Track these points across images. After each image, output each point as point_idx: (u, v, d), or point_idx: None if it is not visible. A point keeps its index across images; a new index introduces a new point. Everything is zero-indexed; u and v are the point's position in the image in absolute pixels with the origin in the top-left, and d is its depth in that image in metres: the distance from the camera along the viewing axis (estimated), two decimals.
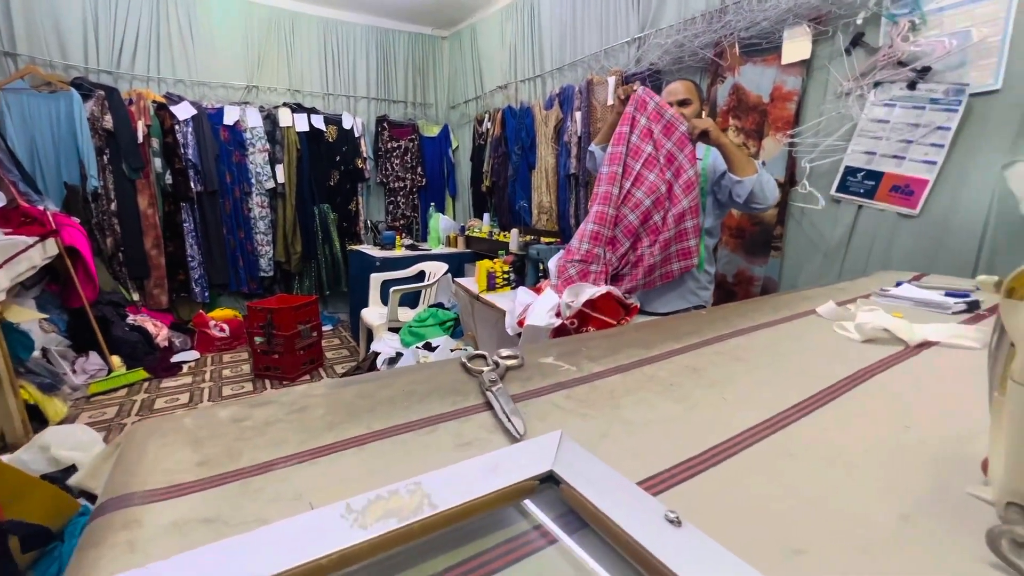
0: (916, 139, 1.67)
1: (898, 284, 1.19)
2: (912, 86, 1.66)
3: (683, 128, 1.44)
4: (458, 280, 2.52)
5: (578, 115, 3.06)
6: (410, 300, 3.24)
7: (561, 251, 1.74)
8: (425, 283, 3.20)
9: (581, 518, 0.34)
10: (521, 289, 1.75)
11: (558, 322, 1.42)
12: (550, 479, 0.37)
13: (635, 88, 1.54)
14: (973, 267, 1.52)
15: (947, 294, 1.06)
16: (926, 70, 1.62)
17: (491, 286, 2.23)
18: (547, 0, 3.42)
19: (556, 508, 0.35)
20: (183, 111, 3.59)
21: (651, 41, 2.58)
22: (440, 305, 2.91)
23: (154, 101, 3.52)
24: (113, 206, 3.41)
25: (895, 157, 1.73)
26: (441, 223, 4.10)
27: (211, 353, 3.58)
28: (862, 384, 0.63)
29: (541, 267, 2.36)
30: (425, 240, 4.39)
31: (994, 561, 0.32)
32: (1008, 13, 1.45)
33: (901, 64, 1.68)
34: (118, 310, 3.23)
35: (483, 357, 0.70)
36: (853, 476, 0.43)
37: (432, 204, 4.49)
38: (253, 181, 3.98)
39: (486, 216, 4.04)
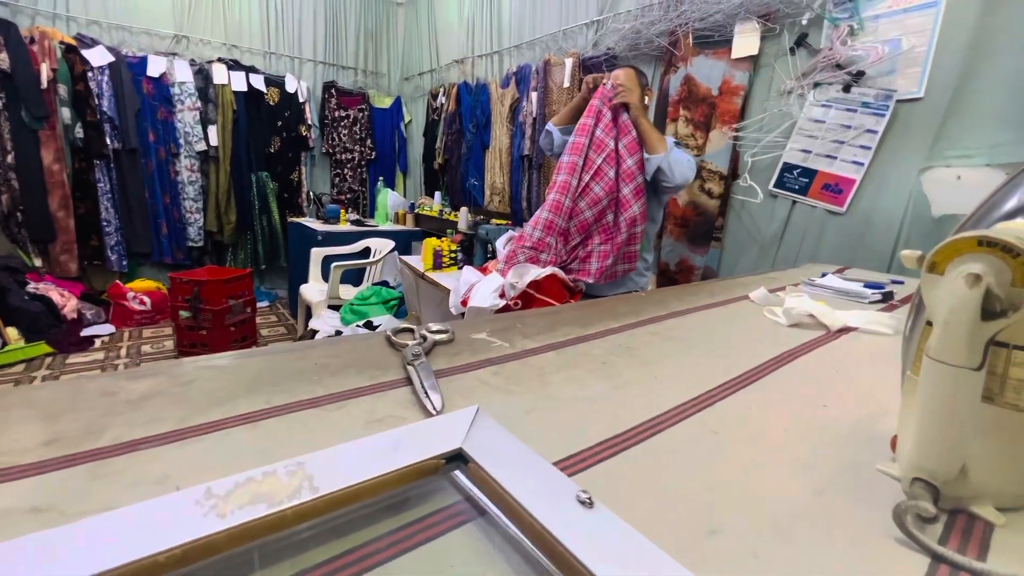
0: (847, 140, 1.75)
1: (823, 275, 1.25)
2: (847, 89, 1.74)
3: (631, 135, 1.46)
4: (404, 258, 2.43)
5: (534, 95, 3.01)
6: (353, 277, 3.11)
7: (510, 231, 1.71)
8: (370, 260, 3.07)
9: (489, 500, 0.31)
10: (467, 268, 1.70)
11: (502, 303, 1.39)
12: (459, 458, 0.33)
13: (605, 81, 1.53)
14: (888, 262, 1.63)
15: (866, 285, 1.12)
16: (860, 74, 1.70)
17: (437, 265, 2.17)
18: None
19: (462, 490, 0.32)
20: (97, 57, 3.20)
21: (609, 25, 2.56)
22: (385, 283, 2.80)
23: (62, 42, 3.11)
24: (10, 158, 3.00)
25: (828, 157, 1.81)
26: (390, 199, 3.95)
27: (129, 328, 3.29)
28: (786, 365, 0.64)
29: (490, 247, 2.32)
30: (372, 216, 4.22)
31: (900, 536, 0.31)
32: (934, 25, 1.54)
33: (839, 67, 1.75)
34: (16, 276, 2.88)
35: (411, 331, 0.66)
36: (772, 453, 0.43)
37: (381, 179, 4.31)
38: (182, 142, 3.64)
39: (437, 195, 3.93)
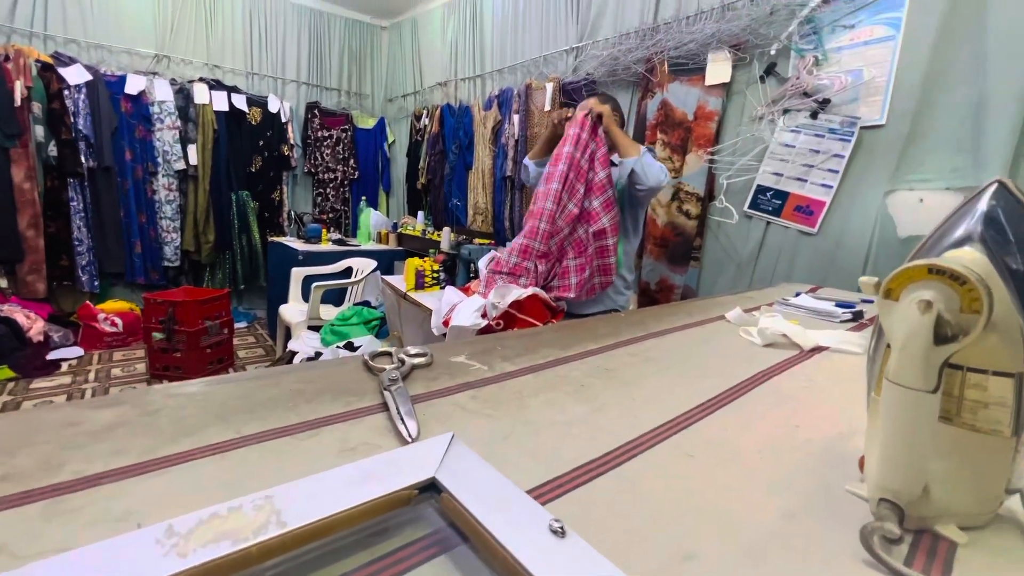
0: (816, 164, 1.82)
1: (797, 295, 1.28)
2: (814, 115, 1.82)
3: (603, 148, 1.51)
4: (386, 278, 2.41)
5: (516, 118, 3.07)
6: (334, 298, 3.07)
7: (493, 251, 1.72)
8: (352, 280, 3.05)
9: (462, 531, 0.30)
10: (449, 289, 1.70)
11: (484, 323, 1.39)
12: (432, 488, 0.33)
13: (568, 115, 1.56)
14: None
15: (837, 305, 1.15)
16: (826, 102, 1.78)
17: (419, 285, 2.16)
18: (490, 1, 3.40)
19: (435, 521, 0.32)
20: (75, 75, 3.16)
21: (588, 51, 2.64)
22: (367, 303, 2.77)
23: (38, 60, 3.07)
24: None
25: (799, 179, 1.88)
26: (372, 218, 3.94)
27: (99, 350, 3.17)
28: (760, 385, 0.66)
29: (472, 267, 2.32)
30: (354, 235, 4.19)
31: (869, 558, 0.32)
32: (893, 56, 1.63)
33: (806, 95, 1.83)
34: None
35: (388, 355, 0.65)
36: (746, 475, 0.43)
37: (364, 198, 4.30)
38: (160, 160, 3.59)
39: (420, 214, 3.93)
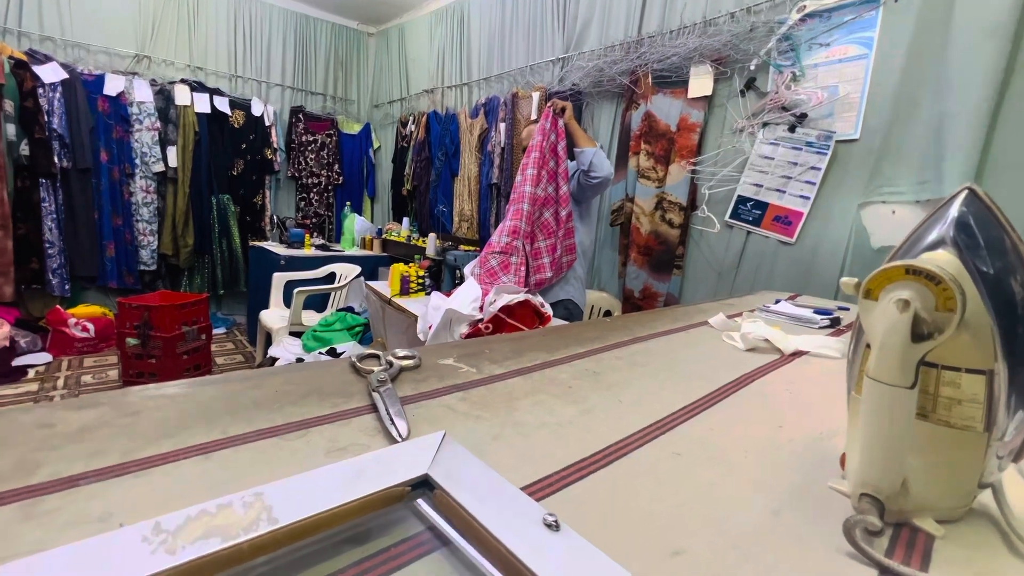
0: (794, 176, 1.88)
1: (777, 302, 1.32)
2: (792, 129, 1.88)
3: (563, 142, 1.69)
4: (370, 283, 2.39)
5: (502, 126, 3.09)
6: (317, 303, 3.03)
7: (478, 258, 1.73)
8: (335, 285, 3.01)
9: (456, 526, 0.30)
10: (435, 294, 1.69)
11: (479, 315, 1.40)
12: (425, 485, 0.33)
13: (551, 106, 1.70)
14: (835, 290, 1.73)
15: (816, 311, 1.18)
16: (803, 116, 1.84)
17: (404, 290, 2.14)
18: (477, 10, 3.44)
19: (428, 518, 0.31)
20: (50, 73, 3.08)
21: (574, 62, 2.68)
22: (350, 309, 2.74)
23: (11, 57, 2.98)
24: None
25: (777, 191, 1.93)
26: (357, 224, 3.90)
27: (69, 356, 3.06)
28: (744, 388, 0.67)
29: (458, 273, 2.32)
30: (338, 241, 4.15)
31: (851, 551, 0.33)
32: (866, 74, 1.69)
33: (784, 109, 1.89)
34: None
35: (376, 357, 0.65)
36: (732, 474, 0.44)
37: (348, 204, 4.27)
38: (138, 162, 3.51)
39: (405, 220, 3.92)
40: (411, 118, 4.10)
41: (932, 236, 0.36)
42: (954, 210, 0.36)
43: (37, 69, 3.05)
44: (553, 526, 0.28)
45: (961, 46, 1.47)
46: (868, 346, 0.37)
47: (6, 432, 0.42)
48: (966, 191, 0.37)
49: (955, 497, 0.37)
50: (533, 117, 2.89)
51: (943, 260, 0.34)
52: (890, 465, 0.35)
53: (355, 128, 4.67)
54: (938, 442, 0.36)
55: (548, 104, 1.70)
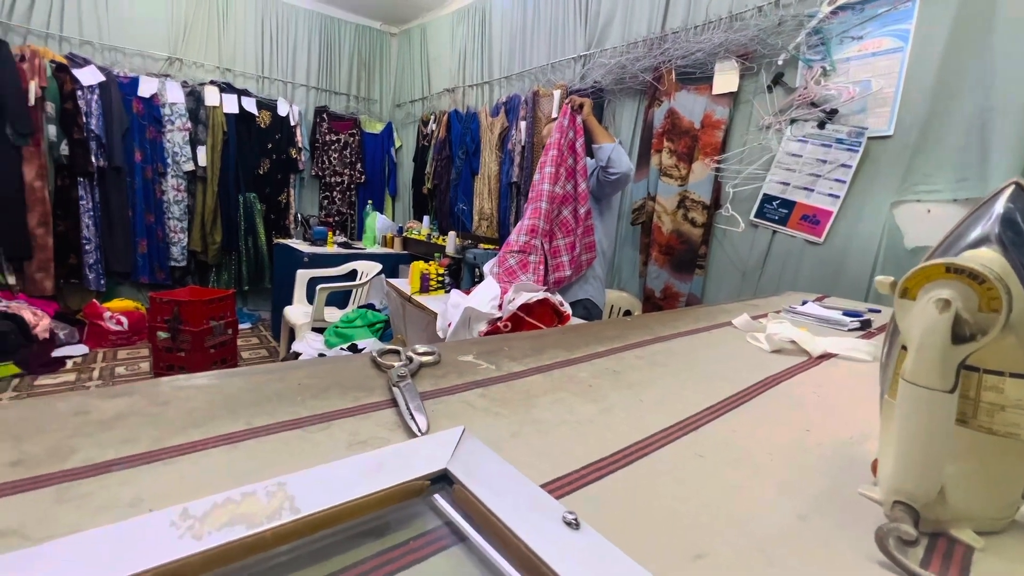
0: (823, 174, 1.82)
1: (804, 303, 1.28)
2: (822, 125, 1.82)
3: (581, 139, 1.67)
4: (391, 281, 2.42)
5: (523, 124, 3.09)
6: (339, 300, 3.08)
7: (496, 256, 1.73)
8: (356, 282, 3.05)
9: (474, 521, 0.30)
10: (455, 292, 1.70)
11: (498, 314, 1.40)
12: (444, 479, 0.33)
13: (569, 102, 1.70)
14: (866, 292, 1.68)
15: (845, 313, 1.14)
16: (834, 112, 1.79)
17: (424, 288, 2.16)
18: (499, 9, 3.44)
19: (447, 513, 0.31)
20: (88, 76, 3.21)
21: (596, 60, 2.66)
22: (371, 306, 2.77)
23: (52, 61, 3.12)
24: None
25: (805, 189, 1.88)
26: (378, 222, 3.95)
27: (104, 348, 3.19)
28: (769, 390, 0.65)
29: (477, 271, 2.33)
30: (360, 239, 4.21)
31: (882, 559, 0.32)
32: (901, 68, 1.63)
33: (813, 105, 1.84)
34: None
35: (396, 352, 0.65)
36: (757, 477, 0.43)
37: (370, 202, 4.33)
38: (169, 161, 3.63)
39: (426, 219, 3.95)
40: (432, 117, 4.13)
41: (975, 233, 0.34)
42: (999, 206, 0.35)
43: (76, 72, 3.18)
44: (573, 524, 0.28)
45: (1005, 38, 1.40)
46: (904, 348, 0.36)
47: (44, 419, 0.43)
48: (1013, 186, 0.35)
49: (997, 508, 0.36)
50: (554, 115, 2.88)
51: (987, 258, 0.32)
52: (927, 472, 0.33)
53: (377, 127, 4.73)
54: (979, 450, 0.34)
55: (566, 101, 1.68)
